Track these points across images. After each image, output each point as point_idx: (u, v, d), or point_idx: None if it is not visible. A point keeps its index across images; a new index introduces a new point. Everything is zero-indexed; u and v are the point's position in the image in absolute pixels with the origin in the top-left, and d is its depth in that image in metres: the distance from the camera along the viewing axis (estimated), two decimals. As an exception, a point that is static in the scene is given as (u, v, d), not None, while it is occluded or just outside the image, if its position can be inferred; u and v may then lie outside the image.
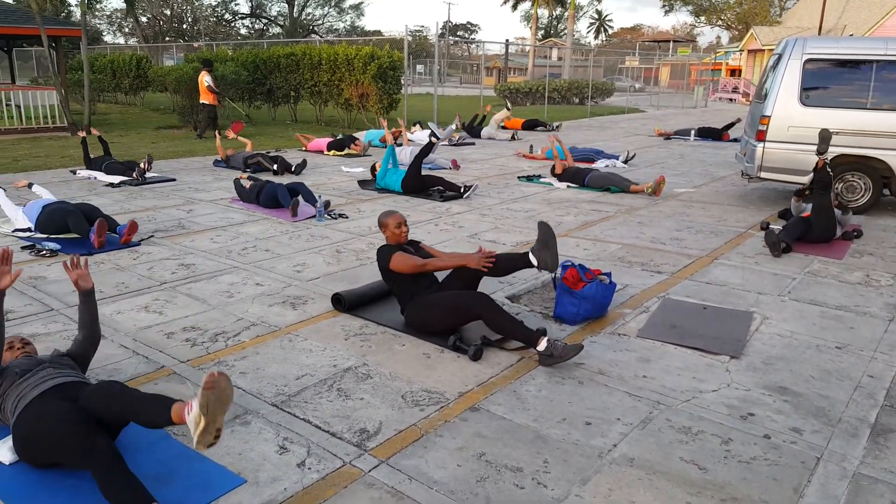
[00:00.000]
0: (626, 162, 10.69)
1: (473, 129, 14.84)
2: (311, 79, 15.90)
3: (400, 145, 11.87)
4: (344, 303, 4.05)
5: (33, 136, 13.30)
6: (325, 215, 6.57)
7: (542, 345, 3.32)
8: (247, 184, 7.37)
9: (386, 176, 8.14)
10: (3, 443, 2.52)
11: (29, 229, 5.78)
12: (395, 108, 15.20)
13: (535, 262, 3.62)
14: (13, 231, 5.82)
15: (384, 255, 3.75)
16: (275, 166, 9.09)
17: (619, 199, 7.91)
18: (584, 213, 7.14)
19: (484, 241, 5.87)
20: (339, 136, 12.07)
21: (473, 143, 13.70)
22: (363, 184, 8.50)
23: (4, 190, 6.26)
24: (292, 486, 2.39)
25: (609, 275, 4.09)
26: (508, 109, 15.90)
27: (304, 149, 11.93)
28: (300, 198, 6.81)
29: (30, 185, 6.58)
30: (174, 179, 8.67)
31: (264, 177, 8.34)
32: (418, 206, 7.36)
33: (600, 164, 10.37)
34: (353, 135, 12.40)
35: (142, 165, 8.39)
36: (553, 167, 9.00)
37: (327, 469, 2.49)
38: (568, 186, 8.70)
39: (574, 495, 2.37)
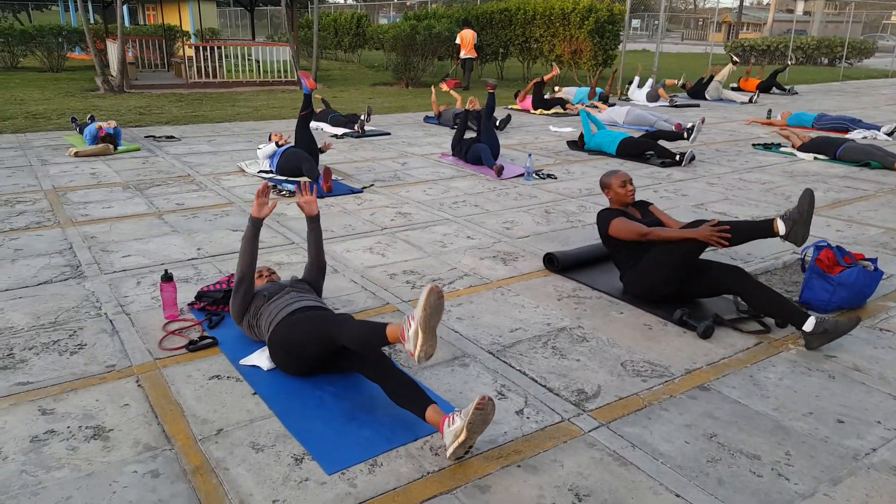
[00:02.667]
0: (890, 134, 9.13)
1: (698, 90, 13.60)
2: (522, 34, 15.76)
3: (595, 108, 11.37)
4: (557, 263, 3.97)
5: (269, 88, 14.82)
6: (534, 175, 6.51)
7: (811, 324, 2.96)
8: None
9: (596, 137, 7.82)
10: (262, 352, 2.87)
11: (270, 171, 6.49)
12: (609, 66, 14.54)
13: (781, 229, 3.14)
14: (258, 172, 6.57)
15: (604, 219, 3.57)
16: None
17: (881, 177, 6.82)
18: (835, 190, 6.28)
19: (712, 212, 5.41)
20: (547, 97, 11.87)
21: (698, 105, 12.68)
22: (572, 144, 8.27)
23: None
24: (512, 432, 2.40)
25: (874, 261, 3.52)
26: (734, 63, 13.70)
27: (512, 106, 11.86)
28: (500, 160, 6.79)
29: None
30: (389, 133, 9.17)
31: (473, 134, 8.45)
32: (635, 170, 6.97)
33: (857, 135, 9.00)
34: (561, 96, 12.13)
35: (362, 117, 8.99)
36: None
37: (546, 422, 2.47)
38: (815, 158, 7.70)
39: (823, 494, 2.10)
